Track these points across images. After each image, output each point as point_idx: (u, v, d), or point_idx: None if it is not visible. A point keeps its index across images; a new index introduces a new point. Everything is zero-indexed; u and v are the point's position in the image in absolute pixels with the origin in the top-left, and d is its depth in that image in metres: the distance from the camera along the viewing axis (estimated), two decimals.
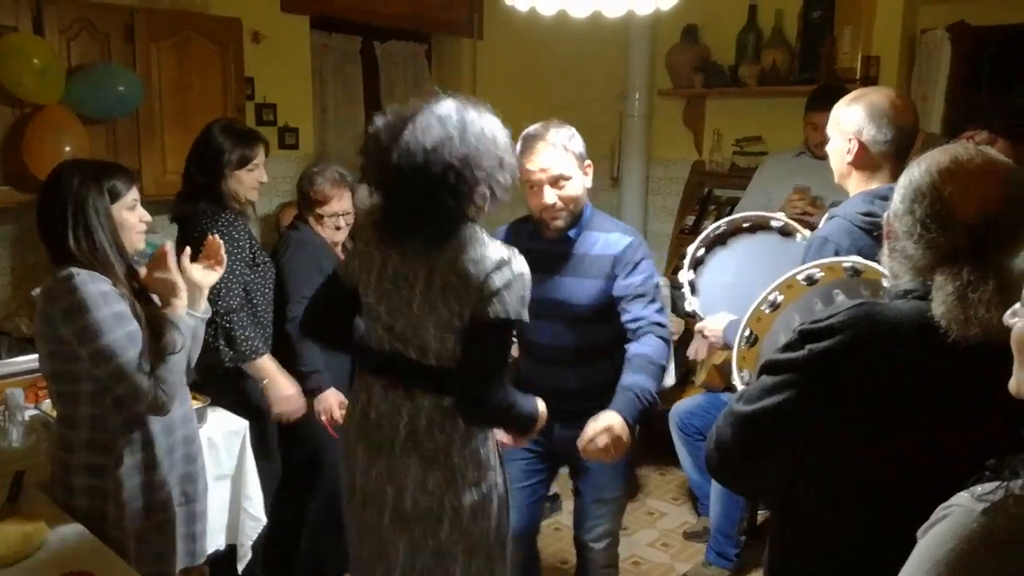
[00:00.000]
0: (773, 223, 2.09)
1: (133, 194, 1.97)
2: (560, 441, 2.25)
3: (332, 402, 2.76)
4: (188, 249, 2.10)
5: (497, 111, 1.76)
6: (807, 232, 2.14)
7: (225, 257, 2.15)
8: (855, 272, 1.59)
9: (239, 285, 2.62)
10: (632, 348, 2.14)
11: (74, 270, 1.82)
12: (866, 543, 1.22)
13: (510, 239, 2.27)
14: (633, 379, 2.07)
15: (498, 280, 1.71)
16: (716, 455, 1.36)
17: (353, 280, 1.89)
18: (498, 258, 1.73)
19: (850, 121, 1.94)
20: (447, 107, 1.71)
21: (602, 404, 2.05)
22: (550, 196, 2.14)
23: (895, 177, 1.97)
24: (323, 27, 4.30)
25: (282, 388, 2.67)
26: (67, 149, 2.83)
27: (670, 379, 2.46)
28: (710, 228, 2.02)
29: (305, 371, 2.75)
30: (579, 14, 1.99)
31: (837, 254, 1.78)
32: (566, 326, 2.25)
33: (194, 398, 2.36)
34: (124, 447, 1.92)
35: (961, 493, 0.89)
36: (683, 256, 2.27)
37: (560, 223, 2.20)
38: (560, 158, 2.14)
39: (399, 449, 1.82)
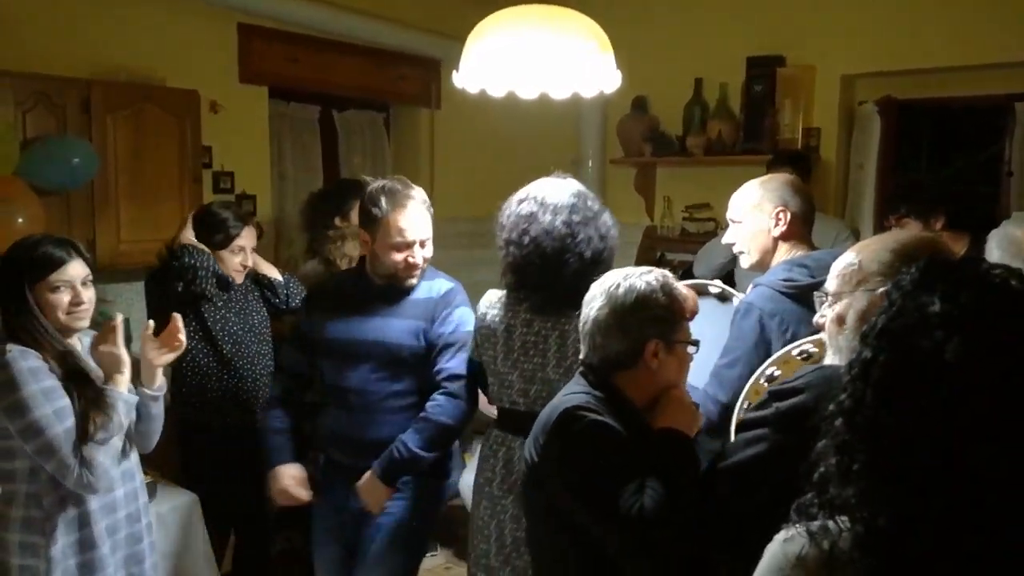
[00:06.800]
0: (711, 289, 2.20)
1: (63, 275, 1.92)
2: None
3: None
4: (151, 323, 2.10)
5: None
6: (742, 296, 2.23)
7: (183, 339, 2.11)
8: None
9: None
10: (426, 404, 2.24)
11: (8, 346, 1.86)
12: None
13: (334, 286, 2.46)
14: (403, 434, 2.21)
15: None
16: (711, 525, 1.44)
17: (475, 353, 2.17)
18: None
19: (773, 195, 2.07)
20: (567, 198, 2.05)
21: None
22: (419, 257, 2.26)
23: (808, 246, 2.09)
24: (281, 96, 4.37)
25: None
26: (20, 221, 2.82)
27: None
28: None
29: None
30: (527, 96, 2.08)
31: (761, 319, 1.93)
32: (379, 368, 2.27)
33: (145, 472, 2.31)
34: (59, 526, 1.89)
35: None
36: None
37: (414, 281, 2.30)
38: (427, 219, 2.27)
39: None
